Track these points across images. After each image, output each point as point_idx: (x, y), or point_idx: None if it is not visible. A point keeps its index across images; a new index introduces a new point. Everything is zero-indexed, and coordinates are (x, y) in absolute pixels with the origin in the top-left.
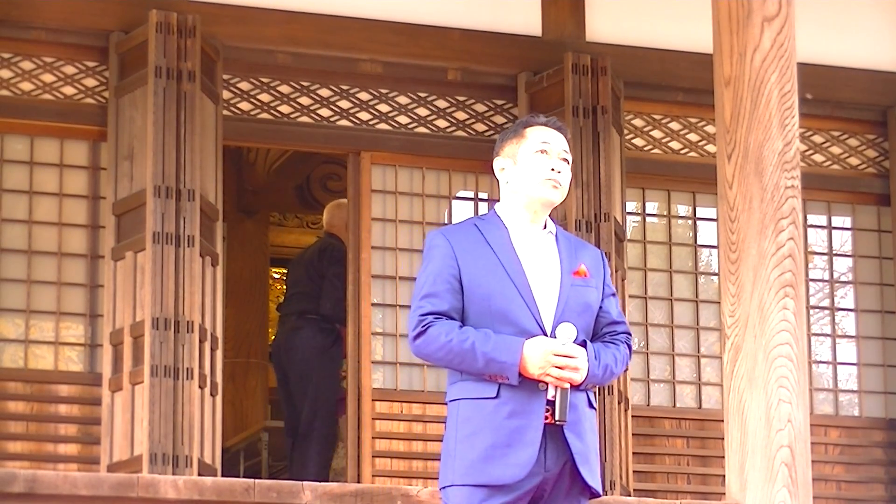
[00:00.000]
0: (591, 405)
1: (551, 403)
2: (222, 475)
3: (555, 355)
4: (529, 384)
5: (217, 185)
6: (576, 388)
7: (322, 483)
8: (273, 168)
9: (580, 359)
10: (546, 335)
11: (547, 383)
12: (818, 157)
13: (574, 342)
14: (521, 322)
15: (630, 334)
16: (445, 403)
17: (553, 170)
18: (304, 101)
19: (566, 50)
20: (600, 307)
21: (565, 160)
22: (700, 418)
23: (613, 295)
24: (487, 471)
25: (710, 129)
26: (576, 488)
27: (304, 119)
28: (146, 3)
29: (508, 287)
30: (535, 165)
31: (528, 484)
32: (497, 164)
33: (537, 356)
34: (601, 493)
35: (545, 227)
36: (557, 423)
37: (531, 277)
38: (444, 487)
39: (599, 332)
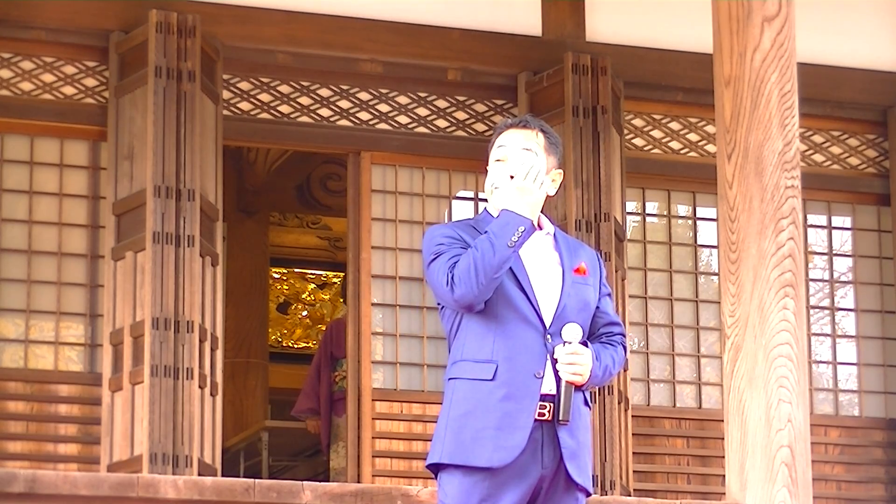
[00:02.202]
0: (586, 403)
1: (554, 401)
2: (222, 475)
3: (566, 354)
4: (526, 369)
5: (217, 185)
6: (577, 387)
7: (322, 483)
8: (273, 168)
9: (585, 356)
10: (546, 331)
11: (543, 373)
12: (818, 157)
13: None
14: (524, 312)
15: (625, 335)
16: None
17: (509, 176)
18: (304, 101)
19: (566, 50)
20: (597, 307)
21: (527, 149)
22: (700, 418)
23: (609, 295)
24: (477, 452)
25: (710, 129)
26: (572, 486)
27: (304, 119)
28: (146, 3)
29: (509, 282)
30: (490, 175)
31: (528, 477)
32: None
33: (515, 185)
34: (591, 491)
35: (542, 228)
36: (561, 422)
37: (532, 274)
38: (431, 464)
39: (596, 332)
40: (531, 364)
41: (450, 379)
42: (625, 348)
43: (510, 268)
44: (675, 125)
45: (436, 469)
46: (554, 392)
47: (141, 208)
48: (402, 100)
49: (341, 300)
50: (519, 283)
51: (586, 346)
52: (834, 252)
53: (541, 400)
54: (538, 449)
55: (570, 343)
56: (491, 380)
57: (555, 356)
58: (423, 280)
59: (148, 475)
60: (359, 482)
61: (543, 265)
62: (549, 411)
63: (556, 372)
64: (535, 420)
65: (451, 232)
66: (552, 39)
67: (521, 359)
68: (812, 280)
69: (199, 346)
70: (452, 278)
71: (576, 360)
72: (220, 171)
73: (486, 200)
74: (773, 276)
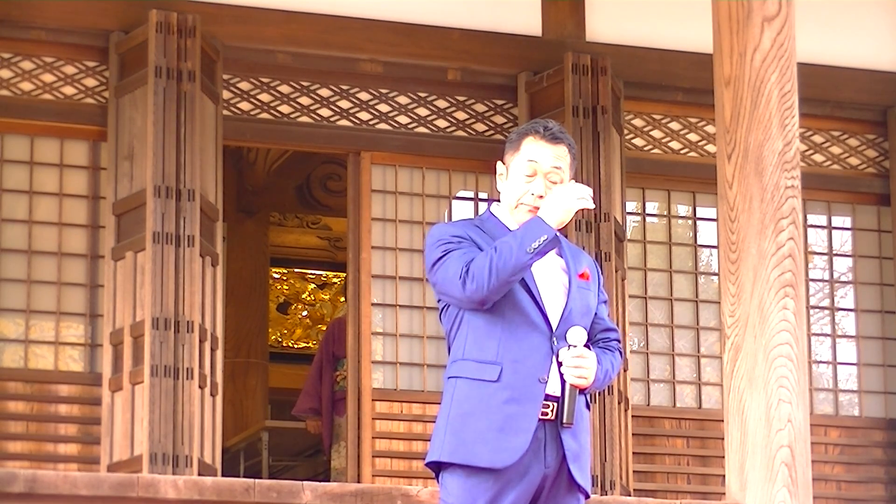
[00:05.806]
0: (587, 405)
1: (557, 402)
2: (222, 475)
3: (572, 357)
4: (531, 373)
5: (217, 185)
6: (580, 391)
7: (322, 483)
8: (273, 168)
9: (590, 359)
10: (552, 333)
11: (547, 378)
12: (818, 157)
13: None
14: (531, 314)
15: (620, 341)
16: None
17: (533, 195)
18: (304, 101)
19: (566, 50)
20: (595, 312)
21: (558, 168)
22: (700, 418)
23: (605, 302)
24: (478, 452)
25: (710, 129)
26: (573, 486)
27: (304, 119)
28: (146, 3)
29: (516, 284)
30: (517, 189)
31: (530, 476)
32: (499, 167)
33: (557, 196)
34: (590, 492)
35: None
36: (565, 426)
37: (539, 277)
38: (431, 462)
39: (594, 337)
40: (536, 368)
41: (450, 377)
42: (621, 353)
43: None
44: (675, 125)
45: (436, 467)
46: (558, 393)
47: (141, 208)
48: (402, 100)
49: (342, 299)
50: (526, 285)
51: (590, 349)
52: (834, 252)
53: (544, 400)
54: (541, 448)
55: (574, 346)
56: (495, 381)
57: (560, 359)
58: (424, 280)
59: (148, 475)
60: (359, 482)
61: (549, 269)
62: (552, 411)
63: (560, 374)
64: (539, 420)
65: (459, 231)
66: (552, 39)
67: (527, 362)
68: (812, 280)
69: (199, 346)
70: (467, 272)
71: (581, 363)
72: (220, 171)
73: (486, 201)
74: (773, 276)
